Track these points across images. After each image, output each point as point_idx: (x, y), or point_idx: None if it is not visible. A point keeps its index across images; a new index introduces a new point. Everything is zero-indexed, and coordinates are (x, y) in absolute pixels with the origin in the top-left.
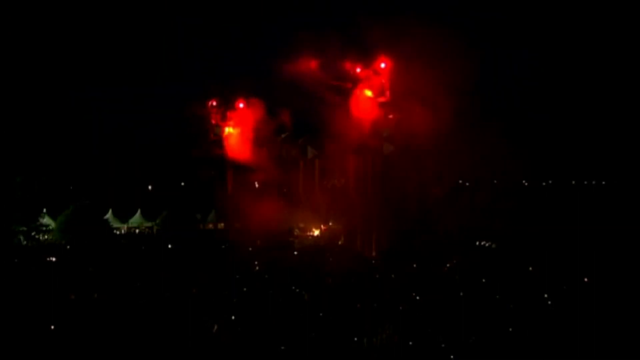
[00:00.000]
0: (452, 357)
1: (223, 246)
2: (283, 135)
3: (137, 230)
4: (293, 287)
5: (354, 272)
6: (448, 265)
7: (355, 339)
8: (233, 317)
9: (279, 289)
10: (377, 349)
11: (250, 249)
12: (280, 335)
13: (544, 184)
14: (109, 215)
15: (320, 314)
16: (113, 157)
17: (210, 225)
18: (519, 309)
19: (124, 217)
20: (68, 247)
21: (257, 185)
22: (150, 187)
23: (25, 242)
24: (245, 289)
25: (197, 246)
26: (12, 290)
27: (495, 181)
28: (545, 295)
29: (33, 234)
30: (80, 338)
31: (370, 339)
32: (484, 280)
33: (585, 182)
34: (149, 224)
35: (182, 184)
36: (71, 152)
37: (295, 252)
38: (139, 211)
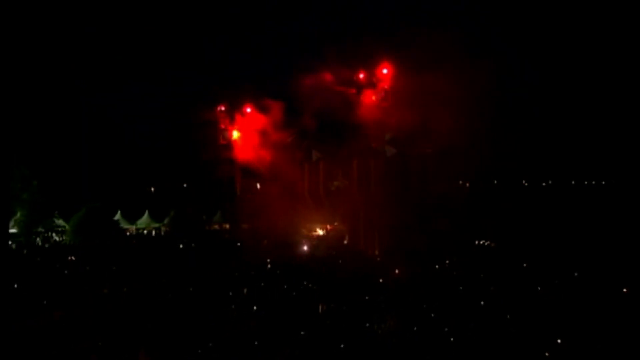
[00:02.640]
0: (452, 339)
1: (233, 246)
2: (289, 139)
3: (145, 231)
4: (305, 282)
5: (360, 268)
6: (448, 261)
7: (367, 325)
8: (255, 308)
9: (293, 284)
10: (386, 333)
11: (259, 248)
12: (298, 322)
13: (544, 184)
14: (117, 216)
15: (332, 305)
16: (122, 160)
17: (216, 226)
18: (514, 300)
19: (132, 219)
20: (84, 247)
21: (264, 187)
22: (153, 189)
23: (40, 243)
24: (262, 284)
25: (209, 246)
26: (48, 287)
27: (495, 181)
28: (539, 288)
29: (48, 234)
30: (120, 326)
31: (379, 325)
32: (481, 275)
33: (586, 182)
34: (156, 225)
35: (190, 186)
36: (81, 154)
37: (305, 247)
38: (146, 212)
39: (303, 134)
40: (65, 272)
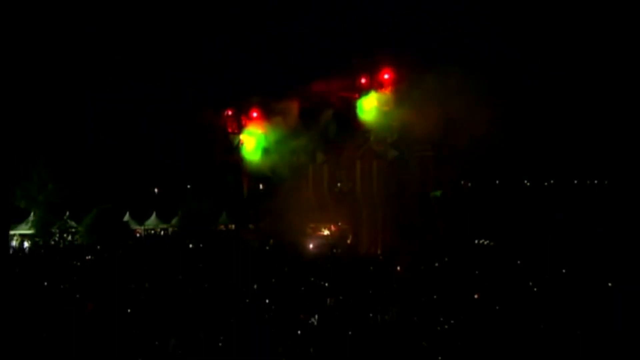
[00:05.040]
0: (446, 326)
1: (241, 245)
2: (294, 142)
3: (153, 232)
4: (312, 279)
5: (364, 266)
6: (447, 259)
7: (371, 314)
8: (267, 301)
9: (301, 280)
10: (389, 322)
11: (267, 247)
12: (309, 312)
13: (545, 183)
14: (127, 217)
15: (340, 298)
16: (131, 163)
17: (222, 227)
18: (508, 294)
19: (140, 219)
20: (98, 247)
21: (270, 189)
22: (158, 190)
23: (54, 243)
24: (273, 279)
25: (218, 245)
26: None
27: (497, 181)
28: (530, 283)
29: (65, 235)
30: (149, 316)
31: (382, 316)
32: (476, 271)
33: (588, 182)
34: (164, 226)
35: (197, 188)
36: (90, 156)
37: (311, 247)
38: (154, 213)
39: (308, 137)
40: (87, 269)
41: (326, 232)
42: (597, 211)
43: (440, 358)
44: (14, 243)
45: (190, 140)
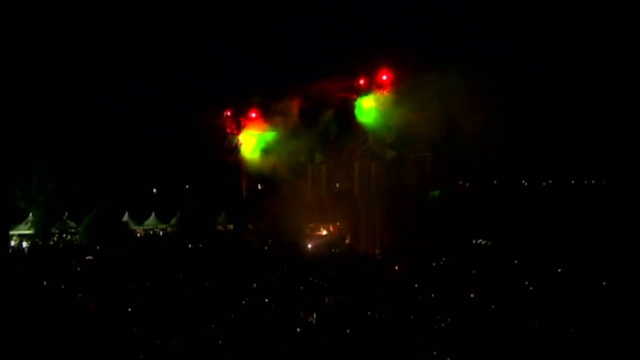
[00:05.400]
0: (442, 324)
1: (241, 246)
2: (293, 143)
3: (152, 232)
4: (311, 278)
5: (362, 266)
6: (444, 259)
7: (369, 313)
8: (267, 300)
9: (300, 279)
10: (386, 321)
11: (266, 247)
12: (308, 311)
13: (544, 184)
14: (126, 217)
15: (339, 297)
16: (131, 163)
17: (220, 227)
18: (504, 293)
19: (139, 220)
20: (97, 247)
21: (269, 190)
22: (157, 190)
23: (52, 243)
24: (273, 279)
25: (218, 245)
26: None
27: (495, 181)
28: (526, 283)
29: (64, 235)
30: (152, 315)
31: (380, 314)
32: (473, 271)
33: (585, 182)
34: (163, 226)
35: (196, 188)
36: (91, 157)
37: (309, 246)
38: (153, 214)
39: (307, 138)
40: (88, 269)
41: (325, 232)
42: (595, 211)
43: (436, 355)
44: (13, 243)
45: (189, 140)
